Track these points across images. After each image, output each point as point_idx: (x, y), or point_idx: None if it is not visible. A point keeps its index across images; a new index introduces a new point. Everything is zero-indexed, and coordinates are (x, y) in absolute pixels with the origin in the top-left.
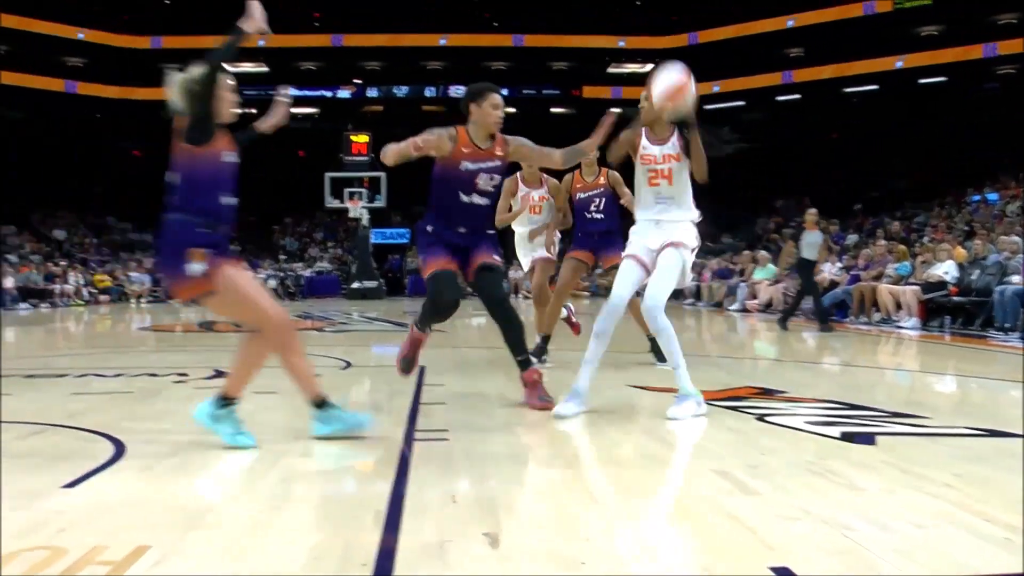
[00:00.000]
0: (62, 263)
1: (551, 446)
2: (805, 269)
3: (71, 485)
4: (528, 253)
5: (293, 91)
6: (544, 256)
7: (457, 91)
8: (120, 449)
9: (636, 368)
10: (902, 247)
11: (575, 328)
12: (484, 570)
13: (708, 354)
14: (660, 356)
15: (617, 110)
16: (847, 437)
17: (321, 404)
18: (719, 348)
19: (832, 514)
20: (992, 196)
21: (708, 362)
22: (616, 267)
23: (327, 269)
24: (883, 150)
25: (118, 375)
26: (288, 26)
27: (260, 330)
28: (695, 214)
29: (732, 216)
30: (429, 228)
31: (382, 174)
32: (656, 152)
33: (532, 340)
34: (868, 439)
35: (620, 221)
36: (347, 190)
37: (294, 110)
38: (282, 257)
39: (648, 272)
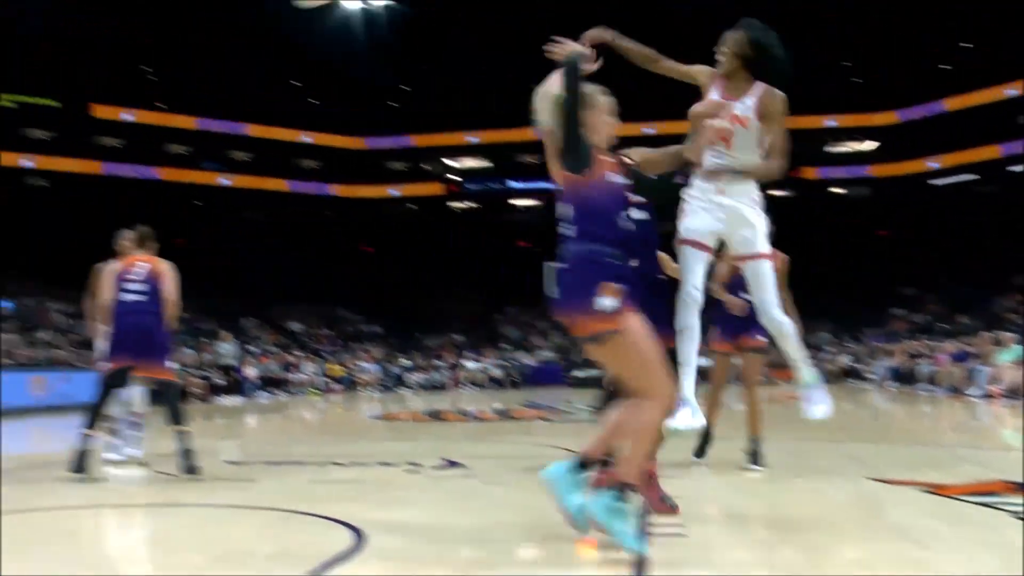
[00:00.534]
0: (298, 353)
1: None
2: None
3: None
4: None
5: (516, 184)
6: None
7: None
8: (360, 538)
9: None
10: None
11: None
12: None
13: (949, 444)
14: (755, 459)
15: None
16: None
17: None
18: (961, 437)
19: None
20: None
21: (950, 453)
22: None
23: (550, 358)
24: None
25: (353, 464)
26: (510, 121)
27: (645, 396)
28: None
29: (966, 295)
30: None
31: None
32: None
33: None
34: None
35: None
36: None
37: (517, 202)
38: (504, 346)
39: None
